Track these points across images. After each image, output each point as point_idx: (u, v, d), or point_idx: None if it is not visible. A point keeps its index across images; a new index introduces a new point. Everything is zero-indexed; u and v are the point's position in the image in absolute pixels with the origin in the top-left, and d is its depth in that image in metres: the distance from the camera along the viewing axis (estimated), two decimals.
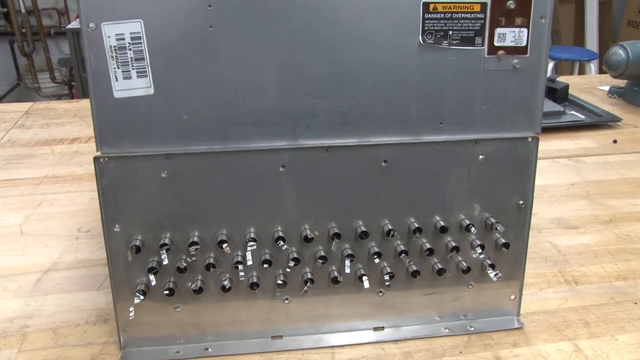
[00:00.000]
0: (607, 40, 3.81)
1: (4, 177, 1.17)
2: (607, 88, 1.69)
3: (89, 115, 1.53)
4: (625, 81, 1.62)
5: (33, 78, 3.92)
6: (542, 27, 0.64)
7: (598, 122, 1.44)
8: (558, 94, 1.53)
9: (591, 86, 1.75)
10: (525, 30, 0.64)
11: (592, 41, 3.76)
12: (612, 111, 1.50)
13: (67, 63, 3.69)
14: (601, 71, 3.48)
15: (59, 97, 3.95)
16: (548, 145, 1.33)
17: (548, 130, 1.40)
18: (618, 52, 1.49)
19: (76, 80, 3.38)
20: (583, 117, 1.46)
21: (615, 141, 1.34)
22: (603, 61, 1.55)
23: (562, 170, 1.21)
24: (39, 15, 3.77)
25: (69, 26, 3.26)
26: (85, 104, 1.64)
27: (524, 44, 0.64)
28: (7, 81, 4.05)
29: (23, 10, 3.68)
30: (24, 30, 3.75)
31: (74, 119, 1.52)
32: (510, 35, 0.64)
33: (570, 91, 1.59)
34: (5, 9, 3.77)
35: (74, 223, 1.00)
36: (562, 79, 1.66)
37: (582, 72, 3.41)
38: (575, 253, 0.91)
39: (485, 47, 0.64)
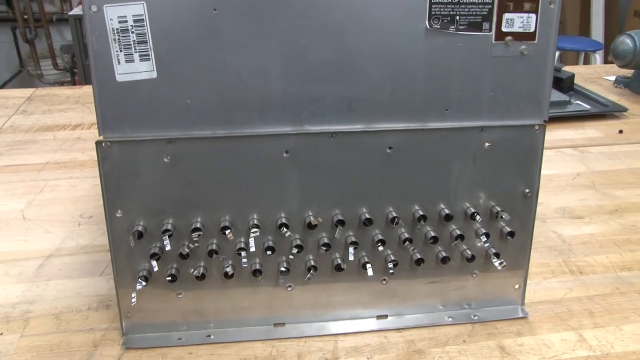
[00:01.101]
0: (613, 30, 3.77)
1: (6, 162, 1.17)
2: (613, 78, 1.68)
3: (91, 102, 1.53)
4: (632, 71, 1.60)
5: (35, 65, 3.90)
6: (551, 12, 0.63)
7: (604, 112, 1.43)
8: (564, 83, 1.52)
9: (597, 76, 1.74)
10: (533, 15, 0.63)
11: (597, 31, 3.73)
12: (618, 101, 1.49)
13: (69, 50, 3.68)
14: (606, 62, 3.46)
15: (61, 83, 3.94)
16: (553, 135, 1.32)
17: (553, 120, 1.39)
18: (625, 42, 1.48)
19: (78, 67, 3.37)
20: (589, 107, 1.45)
21: (621, 131, 1.33)
22: (609, 51, 1.54)
23: (567, 160, 1.20)
24: (41, 2, 3.74)
25: (71, 12, 3.26)
26: (87, 90, 1.63)
27: (532, 29, 0.63)
28: (9, 68, 4.04)
29: None
30: (26, 16, 3.73)
31: (76, 105, 1.51)
32: (518, 21, 0.63)
33: (576, 81, 1.57)
34: None
35: (76, 209, 0.99)
36: (567, 68, 1.65)
37: (587, 62, 3.38)
38: (580, 243, 0.91)
39: (493, 32, 0.63)
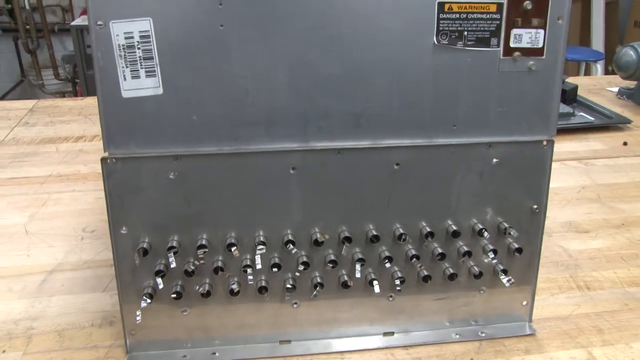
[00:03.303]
0: (613, 40, 3.78)
1: (9, 175, 1.16)
2: (616, 89, 1.67)
3: (93, 114, 1.53)
4: (635, 82, 1.60)
5: (37, 75, 3.90)
6: (559, 28, 0.63)
7: (608, 123, 1.43)
8: (567, 95, 1.52)
9: (600, 87, 1.74)
10: (542, 31, 0.63)
11: (598, 41, 3.74)
12: (621, 113, 1.49)
13: (70, 60, 3.68)
14: (607, 72, 3.46)
15: (62, 94, 3.94)
16: (557, 147, 1.29)
17: (557, 131, 1.38)
18: (628, 53, 1.48)
19: (80, 78, 3.37)
20: (592, 118, 1.45)
21: (625, 143, 1.33)
22: (613, 62, 1.54)
23: (571, 172, 1.20)
24: (43, 12, 3.75)
25: (73, 23, 3.26)
26: (89, 101, 1.63)
27: (540, 45, 0.63)
28: (11, 78, 4.04)
29: (27, 7, 3.67)
30: (28, 26, 3.74)
31: (78, 117, 1.50)
32: (526, 37, 0.63)
33: (579, 92, 1.57)
34: (9, 6, 3.76)
35: (78, 223, 0.99)
36: (570, 79, 1.65)
37: (588, 72, 3.38)
38: (587, 258, 0.90)
39: (501, 48, 0.63)
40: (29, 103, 1.61)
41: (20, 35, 3.75)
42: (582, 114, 1.47)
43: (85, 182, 1.14)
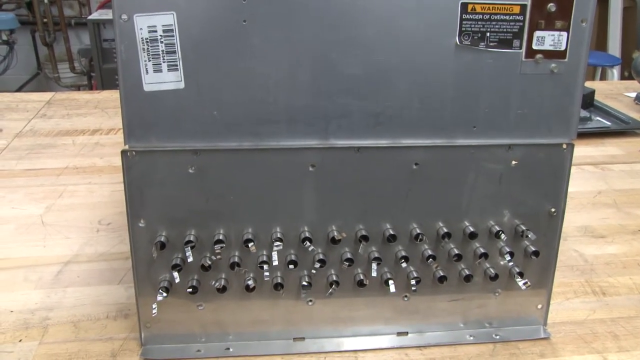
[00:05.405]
0: (630, 45, 3.75)
1: (26, 166, 1.17)
2: (633, 95, 1.66)
3: (110, 107, 1.54)
4: None
5: (53, 68, 3.93)
6: (582, 31, 0.62)
7: (625, 129, 1.42)
8: (584, 99, 1.51)
9: (617, 92, 1.72)
10: (565, 33, 0.62)
11: (614, 46, 3.70)
12: (639, 118, 1.47)
13: (86, 54, 3.70)
14: (622, 77, 3.43)
15: (77, 87, 3.97)
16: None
17: None
18: None
19: (95, 71, 3.40)
20: (609, 123, 1.43)
21: None
22: (632, 67, 1.53)
23: (588, 177, 1.19)
24: (61, 5, 3.78)
25: (89, 17, 3.28)
26: (106, 95, 1.64)
27: (563, 48, 0.63)
28: (28, 70, 4.07)
29: (45, 0, 3.69)
30: (45, 20, 3.77)
31: (95, 110, 1.51)
32: (549, 39, 0.62)
33: (596, 97, 1.56)
34: None
35: (94, 215, 0.99)
36: (586, 84, 1.63)
37: (603, 77, 3.36)
38: (603, 263, 0.89)
39: (523, 50, 0.62)
40: (46, 95, 1.63)
41: (38, 28, 3.78)
42: (598, 118, 1.46)
43: (101, 175, 1.14)
